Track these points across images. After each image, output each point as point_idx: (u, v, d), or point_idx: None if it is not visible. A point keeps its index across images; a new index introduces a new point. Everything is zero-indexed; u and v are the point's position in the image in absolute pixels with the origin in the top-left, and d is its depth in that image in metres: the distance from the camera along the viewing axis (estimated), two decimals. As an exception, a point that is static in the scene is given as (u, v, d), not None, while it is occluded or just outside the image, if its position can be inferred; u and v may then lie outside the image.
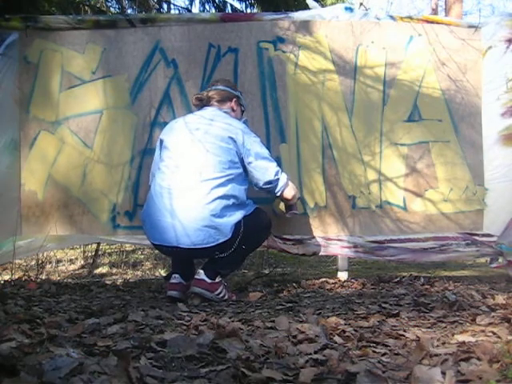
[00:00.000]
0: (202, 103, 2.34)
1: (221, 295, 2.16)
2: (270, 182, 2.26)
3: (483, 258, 2.97)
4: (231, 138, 2.17)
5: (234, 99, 2.37)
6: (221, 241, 2.09)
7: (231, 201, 2.12)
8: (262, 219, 2.29)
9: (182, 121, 2.28)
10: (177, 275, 2.21)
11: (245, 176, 2.25)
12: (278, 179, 2.27)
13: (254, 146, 2.21)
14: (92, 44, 2.80)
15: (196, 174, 2.11)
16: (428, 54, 2.74)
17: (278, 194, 2.33)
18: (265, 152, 2.26)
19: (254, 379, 0.96)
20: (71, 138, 2.79)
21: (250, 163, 2.21)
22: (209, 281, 2.13)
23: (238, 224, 2.13)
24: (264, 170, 2.23)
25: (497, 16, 2.82)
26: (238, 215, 2.14)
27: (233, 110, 2.35)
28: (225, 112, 2.31)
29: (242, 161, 2.21)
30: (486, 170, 2.72)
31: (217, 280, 2.15)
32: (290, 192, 2.33)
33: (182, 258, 2.27)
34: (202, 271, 2.14)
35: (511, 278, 2.57)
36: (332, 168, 2.75)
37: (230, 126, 2.21)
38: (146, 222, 2.19)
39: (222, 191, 2.10)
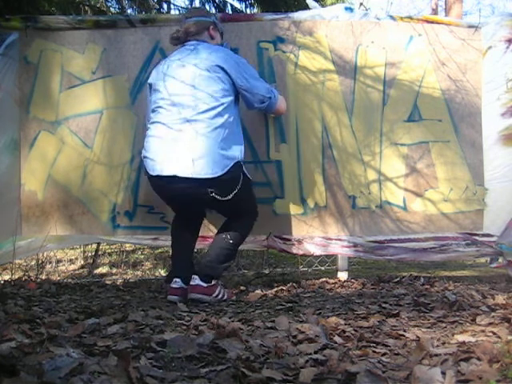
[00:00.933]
0: (180, 41, 2.31)
1: (219, 296, 2.16)
2: (262, 101, 2.28)
3: (483, 258, 2.97)
4: (219, 66, 2.16)
5: (211, 27, 2.33)
6: (217, 174, 2.07)
7: (227, 131, 2.14)
8: (254, 200, 2.34)
9: (168, 61, 2.27)
10: (178, 279, 2.19)
11: (235, 103, 2.26)
12: (271, 97, 2.30)
13: (241, 69, 2.21)
14: (92, 44, 2.80)
15: (192, 107, 2.12)
16: (428, 54, 2.74)
17: (273, 111, 2.45)
18: (253, 72, 2.28)
19: (254, 379, 0.96)
20: (71, 138, 2.79)
21: (241, 86, 2.21)
22: (205, 285, 2.12)
23: (235, 168, 2.13)
24: (255, 90, 2.24)
25: (497, 16, 2.81)
26: (233, 150, 2.15)
27: (212, 38, 2.34)
28: (205, 42, 2.30)
29: (233, 86, 2.21)
30: (485, 170, 2.71)
31: (213, 282, 2.15)
32: (282, 108, 2.47)
33: (178, 201, 2.24)
34: (196, 276, 2.13)
35: (511, 277, 2.57)
36: (332, 168, 2.74)
37: (215, 54, 2.19)
38: (146, 158, 2.19)
39: (219, 121, 2.12)
